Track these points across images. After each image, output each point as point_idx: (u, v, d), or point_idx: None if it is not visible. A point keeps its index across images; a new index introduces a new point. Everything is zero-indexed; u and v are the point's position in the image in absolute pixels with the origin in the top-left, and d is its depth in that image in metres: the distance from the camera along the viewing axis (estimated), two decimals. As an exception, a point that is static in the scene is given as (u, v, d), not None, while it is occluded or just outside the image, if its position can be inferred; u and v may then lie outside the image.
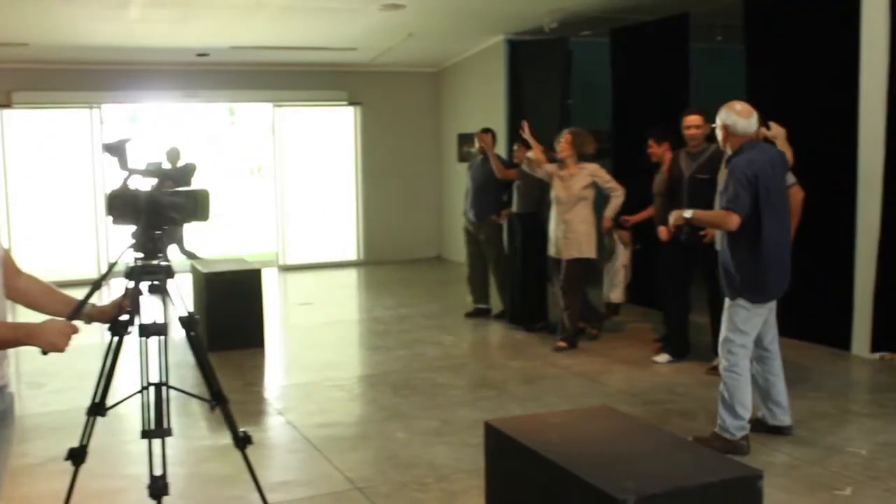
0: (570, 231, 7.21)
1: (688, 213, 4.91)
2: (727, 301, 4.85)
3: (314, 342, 8.14)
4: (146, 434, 3.08)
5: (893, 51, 6.56)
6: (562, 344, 7.33)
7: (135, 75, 11.68)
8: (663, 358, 6.86)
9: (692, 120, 6.44)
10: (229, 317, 7.55)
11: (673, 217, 5.06)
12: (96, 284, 3.06)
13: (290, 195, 13.01)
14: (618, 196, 7.23)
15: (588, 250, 7.24)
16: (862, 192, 6.77)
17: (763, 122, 4.97)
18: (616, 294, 7.90)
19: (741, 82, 7.52)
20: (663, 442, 2.92)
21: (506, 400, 6.01)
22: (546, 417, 3.35)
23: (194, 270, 8.15)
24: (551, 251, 7.43)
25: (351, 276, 12.57)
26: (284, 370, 7.33)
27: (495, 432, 3.05)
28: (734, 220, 4.60)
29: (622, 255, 7.80)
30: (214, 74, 12.12)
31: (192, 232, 11.41)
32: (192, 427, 5.41)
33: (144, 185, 3.22)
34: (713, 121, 4.97)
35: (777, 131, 5.32)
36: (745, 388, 4.82)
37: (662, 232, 6.65)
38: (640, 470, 2.64)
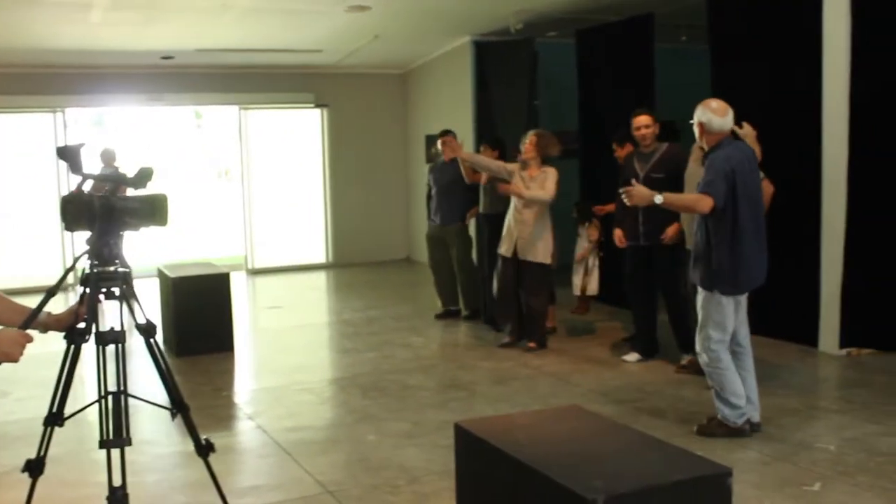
0: (528, 233, 7.18)
1: (658, 199, 4.88)
2: (702, 296, 4.91)
3: (283, 346, 8.08)
4: (104, 444, 3.02)
5: (855, 49, 6.64)
6: (532, 345, 7.34)
7: (99, 79, 11.55)
8: (633, 357, 6.88)
9: (641, 120, 6.50)
10: (198, 321, 7.49)
11: (637, 197, 4.96)
12: (51, 292, 3.00)
13: (258, 198, 12.93)
14: (544, 196, 7.09)
15: (544, 256, 7.21)
16: (826, 190, 6.83)
17: (735, 121, 5.04)
18: (592, 286, 7.87)
19: (706, 81, 7.58)
20: (633, 441, 2.92)
21: (476, 401, 6.00)
22: (515, 418, 3.34)
23: (161, 275, 8.07)
24: (502, 248, 7.37)
25: (320, 278, 12.51)
26: (254, 374, 7.26)
27: (465, 434, 3.03)
28: (707, 203, 4.67)
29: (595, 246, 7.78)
30: (180, 77, 12.02)
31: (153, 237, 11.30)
32: (163, 433, 5.34)
33: (98, 189, 3.17)
34: (683, 119, 5.05)
35: (748, 131, 5.43)
36: (733, 378, 4.93)
37: (618, 237, 6.71)
38: (609, 469, 2.63)
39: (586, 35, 9.52)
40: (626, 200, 5.07)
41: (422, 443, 5.12)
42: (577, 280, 7.87)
